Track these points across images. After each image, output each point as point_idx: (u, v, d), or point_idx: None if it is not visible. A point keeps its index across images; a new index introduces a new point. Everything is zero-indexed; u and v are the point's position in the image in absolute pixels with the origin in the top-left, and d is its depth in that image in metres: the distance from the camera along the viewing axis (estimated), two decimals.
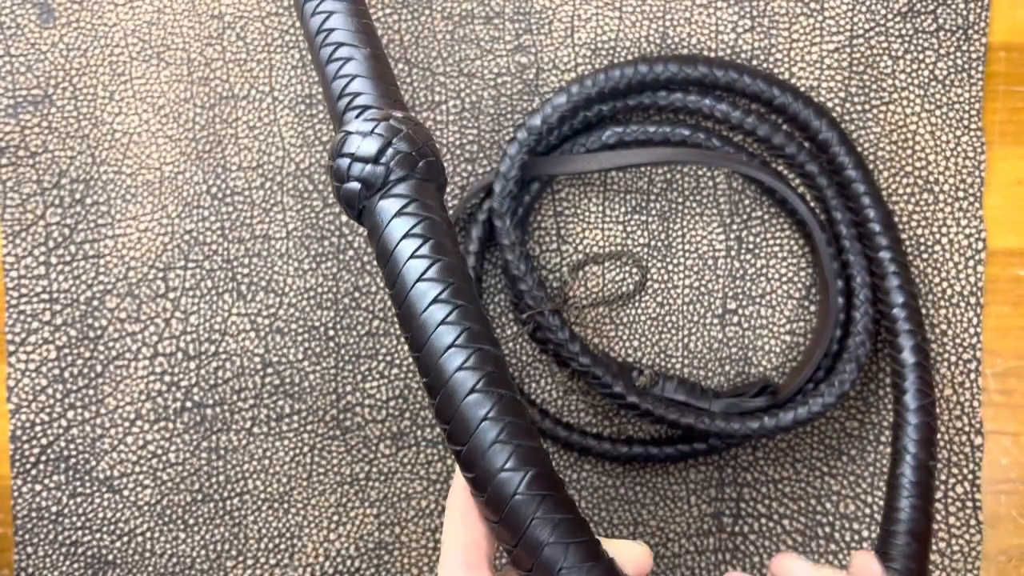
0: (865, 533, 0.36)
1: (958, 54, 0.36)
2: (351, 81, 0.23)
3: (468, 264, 0.36)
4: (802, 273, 0.37)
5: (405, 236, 0.21)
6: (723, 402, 0.35)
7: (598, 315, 0.37)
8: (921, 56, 0.37)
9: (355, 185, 0.22)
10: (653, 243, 0.37)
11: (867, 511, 0.36)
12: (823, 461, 0.36)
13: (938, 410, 0.36)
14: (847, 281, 0.35)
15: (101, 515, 0.36)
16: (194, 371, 0.37)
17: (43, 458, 0.36)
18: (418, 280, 0.21)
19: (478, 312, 0.21)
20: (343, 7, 0.25)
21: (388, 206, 0.21)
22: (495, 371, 0.20)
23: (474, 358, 0.20)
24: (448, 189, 0.37)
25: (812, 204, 0.37)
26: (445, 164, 0.37)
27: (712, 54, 0.37)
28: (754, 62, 0.37)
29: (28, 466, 0.36)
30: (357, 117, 0.23)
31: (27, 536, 0.36)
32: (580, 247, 0.37)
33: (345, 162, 0.22)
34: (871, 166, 0.37)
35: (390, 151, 0.22)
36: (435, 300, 0.21)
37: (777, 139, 0.35)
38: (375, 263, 0.37)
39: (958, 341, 0.36)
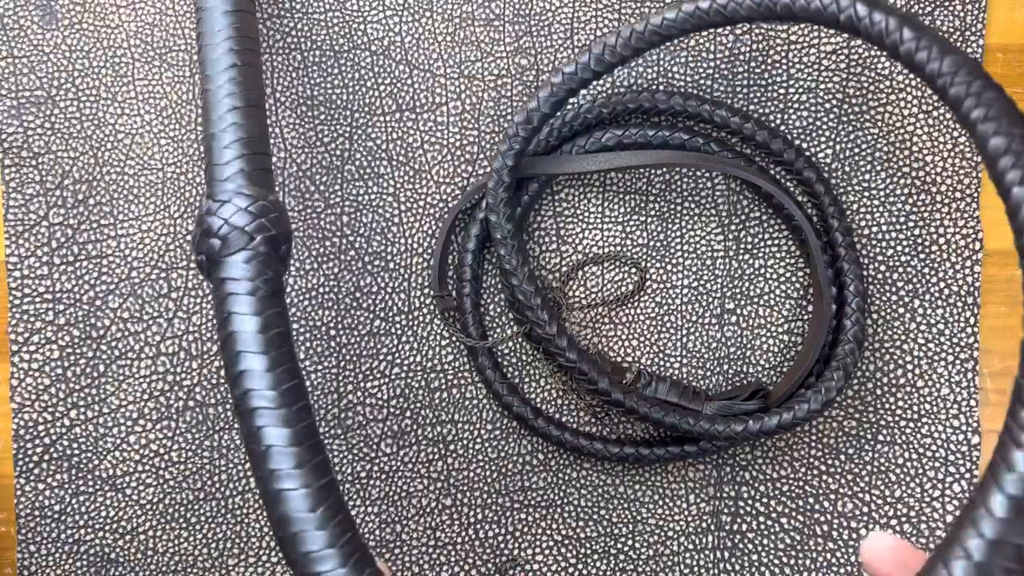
0: (863, 532, 0.36)
1: None
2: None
3: (466, 261, 0.36)
4: (800, 273, 0.37)
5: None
6: (715, 405, 0.35)
7: (597, 315, 0.37)
8: None
9: (215, 242, 0.26)
10: (652, 244, 0.37)
11: (865, 509, 0.36)
12: (821, 460, 0.36)
13: (935, 409, 0.36)
14: (840, 288, 0.35)
15: (104, 514, 0.37)
16: (196, 370, 0.37)
17: (46, 457, 0.37)
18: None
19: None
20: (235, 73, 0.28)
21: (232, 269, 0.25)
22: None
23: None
24: (448, 190, 0.37)
25: (808, 210, 0.37)
26: (446, 165, 0.37)
27: (710, 56, 0.37)
28: (752, 64, 0.37)
29: (31, 465, 0.37)
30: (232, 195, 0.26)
31: (30, 535, 0.37)
32: (580, 247, 0.37)
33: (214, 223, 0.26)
34: (869, 166, 0.37)
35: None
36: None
37: (775, 144, 0.36)
38: (376, 264, 0.37)
39: (955, 341, 0.36)
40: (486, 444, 0.37)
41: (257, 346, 0.24)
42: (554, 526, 0.37)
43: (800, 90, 0.37)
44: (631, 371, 0.36)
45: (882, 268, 0.37)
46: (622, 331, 0.37)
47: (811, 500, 0.36)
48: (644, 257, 0.37)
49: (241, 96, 0.27)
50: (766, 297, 0.37)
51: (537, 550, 0.37)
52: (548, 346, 0.34)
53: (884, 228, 0.37)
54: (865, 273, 0.37)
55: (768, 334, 0.37)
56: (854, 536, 0.36)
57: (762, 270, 0.37)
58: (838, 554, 0.36)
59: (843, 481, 0.36)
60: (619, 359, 0.37)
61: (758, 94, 0.37)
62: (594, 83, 0.37)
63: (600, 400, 0.35)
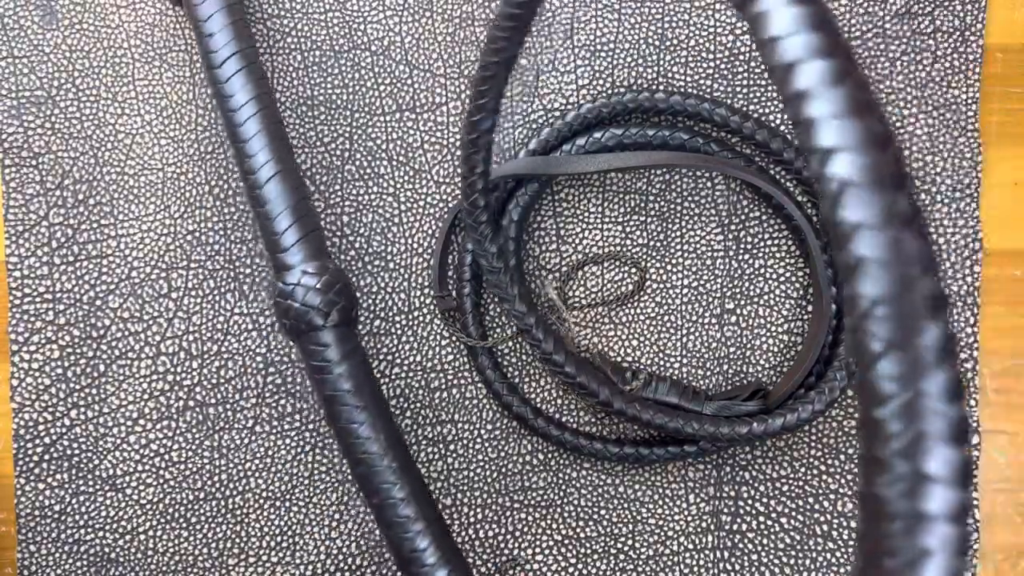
0: None
1: (955, 56, 0.37)
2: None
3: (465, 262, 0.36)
4: (800, 273, 0.37)
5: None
6: (715, 405, 0.35)
7: (597, 315, 0.37)
8: (918, 58, 0.37)
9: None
10: (652, 243, 0.37)
11: None
12: (821, 460, 0.36)
13: None
14: (840, 288, 0.35)
15: (104, 513, 0.37)
16: (196, 370, 0.37)
17: (46, 457, 0.37)
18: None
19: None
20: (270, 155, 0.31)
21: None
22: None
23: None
24: (448, 190, 0.37)
25: (808, 210, 0.37)
26: (446, 165, 0.37)
27: (710, 56, 0.37)
28: (752, 64, 0.37)
29: (31, 465, 0.37)
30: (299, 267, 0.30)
31: (30, 535, 0.37)
32: (579, 247, 0.37)
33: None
34: None
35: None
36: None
37: (775, 144, 0.36)
38: (376, 264, 0.37)
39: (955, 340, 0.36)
40: (486, 444, 0.37)
41: (353, 401, 0.30)
42: (554, 526, 0.37)
43: None
44: (637, 377, 0.36)
45: None
46: (622, 331, 0.37)
47: (811, 500, 0.36)
48: (644, 257, 0.37)
49: (277, 161, 0.31)
50: (766, 297, 0.37)
51: (537, 550, 0.37)
52: (547, 363, 0.35)
53: None
54: None
55: (768, 334, 0.37)
56: (854, 536, 0.36)
57: (762, 270, 0.37)
58: (838, 554, 0.36)
59: (843, 481, 0.36)
60: (619, 359, 0.37)
61: (758, 94, 0.37)
62: (593, 84, 0.37)
63: (604, 410, 0.35)
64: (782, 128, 0.37)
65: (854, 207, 0.13)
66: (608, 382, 0.35)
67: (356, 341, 0.31)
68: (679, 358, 0.37)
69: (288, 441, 0.37)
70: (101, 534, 0.37)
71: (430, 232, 0.37)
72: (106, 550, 0.37)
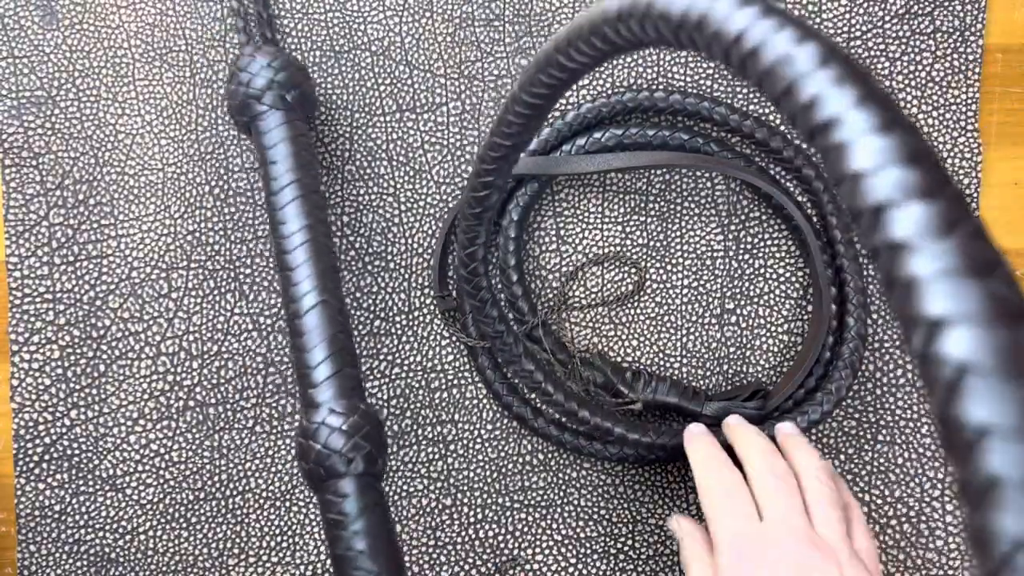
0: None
1: (955, 56, 0.37)
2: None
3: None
4: (799, 273, 0.37)
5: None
6: (715, 405, 0.35)
7: (597, 315, 0.37)
8: (918, 58, 0.37)
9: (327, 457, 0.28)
10: (652, 244, 0.37)
11: (865, 509, 0.36)
12: None
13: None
14: (840, 287, 0.35)
15: (104, 513, 0.37)
16: (197, 370, 0.37)
17: (46, 457, 0.37)
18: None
19: None
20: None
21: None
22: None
23: None
24: (448, 190, 0.37)
25: (808, 209, 0.37)
26: (446, 165, 0.37)
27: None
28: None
29: (31, 465, 0.37)
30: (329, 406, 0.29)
31: (30, 535, 0.37)
32: (580, 247, 0.37)
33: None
34: None
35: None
36: None
37: (774, 143, 0.36)
38: (376, 264, 0.37)
39: None
40: (486, 444, 0.37)
41: (367, 565, 0.27)
42: (554, 526, 0.37)
43: None
44: (631, 370, 0.36)
45: None
46: (622, 331, 0.37)
47: None
48: (644, 257, 0.37)
49: (321, 291, 0.30)
50: (766, 297, 0.37)
51: (537, 550, 0.37)
52: (540, 396, 0.35)
53: None
54: (866, 272, 0.37)
55: (768, 334, 0.37)
56: None
57: (762, 270, 0.37)
58: None
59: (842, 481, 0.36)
60: (619, 359, 0.37)
61: (758, 94, 0.37)
62: (593, 84, 0.37)
63: (603, 439, 0.35)
64: (781, 127, 0.37)
65: (980, 404, 0.10)
66: (612, 416, 0.35)
67: (379, 493, 0.28)
68: (679, 358, 0.37)
69: (288, 441, 0.37)
70: (101, 534, 0.37)
71: (430, 232, 0.37)
72: (106, 550, 0.37)
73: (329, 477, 0.27)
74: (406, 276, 0.37)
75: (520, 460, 0.37)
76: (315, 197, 0.31)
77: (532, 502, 0.37)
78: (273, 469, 0.37)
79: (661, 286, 0.37)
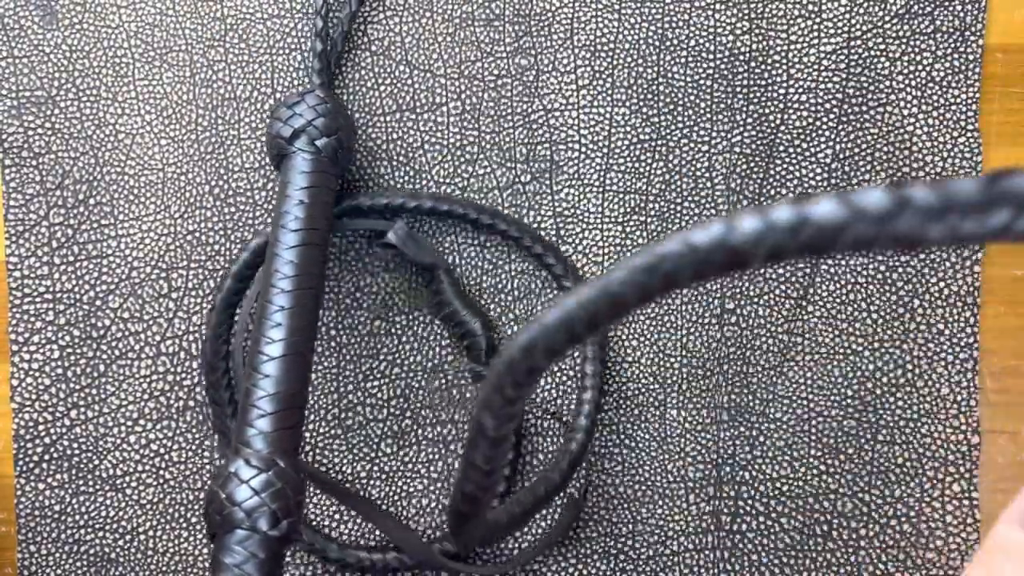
0: (863, 531, 0.36)
1: (955, 56, 0.37)
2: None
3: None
4: (799, 273, 0.37)
5: None
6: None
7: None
8: (918, 58, 0.37)
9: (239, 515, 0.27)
10: (652, 244, 0.37)
11: (864, 509, 0.36)
12: (820, 460, 0.36)
13: (935, 409, 0.36)
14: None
15: (104, 514, 0.37)
16: (197, 370, 0.37)
17: (46, 457, 0.37)
18: None
19: None
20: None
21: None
22: None
23: None
24: (449, 190, 0.37)
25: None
26: (446, 165, 0.37)
27: (711, 56, 0.37)
28: (752, 64, 0.37)
29: (31, 465, 0.37)
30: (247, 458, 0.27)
31: (30, 535, 0.37)
32: (580, 247, 0.37)
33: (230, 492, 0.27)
34: (869, 166, 0.37)
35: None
36: None
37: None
38: (376, 264, 0.37)
39: (955, 340, 0.36)
40: None
41: None
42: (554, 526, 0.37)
43: (800, 90, 0.37)
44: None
45: (882, 268, 0.37)
46: (622, 331, 0.37)
47: (811, 500, 0.36)
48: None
49: (290, 345, 0.29)
50: (766, 297, 0.37)
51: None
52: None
53: None
54: (865, 272, 0.37)
55: (768, 334, 0.37)
56: (854, 536, 0.36)
57: (762, 270, 0.37)
58: (838, 554, 0.36)
59: (843, 481, 0.36)
60: (619, 359, 0.37)
61: (758, 94, 0.37)
62: (593, 84, 0.37)
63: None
64: (782, 128, 0.37)
65: None
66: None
67: (274, 555, 0.26)
68: (679, 358, 0.37)
69: None
70: (101, 534, 0.37)
71: (430, 232, 0.37)
72: (106, 550, 0.37)
73: (224, 528, 0.26)
74: (406, 276, 0.37)
75: (519, 460, 0.37)
76: (313, 251, 0.31)
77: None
78: None
79: None
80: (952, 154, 0.37)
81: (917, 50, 0.37)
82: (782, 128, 0.37)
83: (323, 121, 0.32)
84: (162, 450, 0.37)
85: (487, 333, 0.35)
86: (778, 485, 0.36)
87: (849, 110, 0.37)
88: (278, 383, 0.28)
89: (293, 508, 0.27)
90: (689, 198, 0.37)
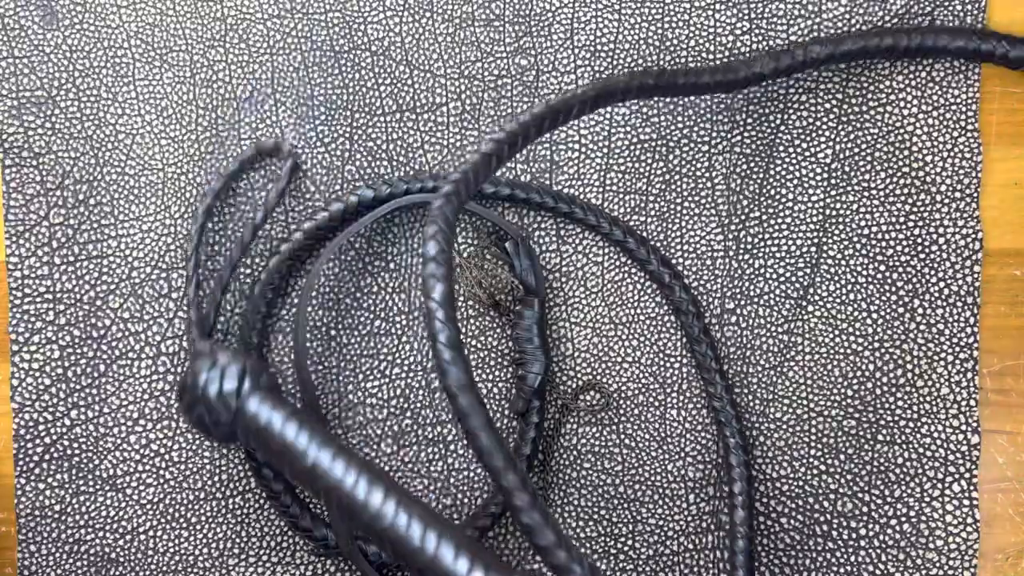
0: (863, 531, 0.36)
1: None
2: None
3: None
4: (799, 273, 0.37)
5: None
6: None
7: (598, 315, 0.37)
8: (918, 58, 0.37)
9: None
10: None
11: (864, 509, 0.36)
12: (820, 459, 0.36)
13: (935, 409, 0.36)
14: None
15: (104, 513, 0.37)
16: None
17: (46, 457, 0.37)
18: None
19: None
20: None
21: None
22: None
23: None
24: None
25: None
26: (446, 165, 0.37)
27: (710, 56, 0.37)
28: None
29: (31, 465, 0.37)
30: None
31: (30, 535, 0.37)
32: (580, 247, 0.37)
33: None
34: (869, 166, 0.37)
35: None
36: None
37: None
38: (376, 264, 0.37)
39: (955, 340, 0.36)
40: None
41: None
42: None
43: (800, 90, 0.37)
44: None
45: (882, 268, 0.37)
46: (622, 331, 0.37)
47: (811, 500, 0.36)
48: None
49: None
50: (766, 297, 0.37)
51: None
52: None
53: (884, 228, 0.37)
54: (865, 272, 0.37)
55: (768, 334, 0.37)
56: (854, 536, 0.36)
57: (762, 270, 0.37)
58: (838, 554, 0.36)
59: (843, 481, 0.36)
60: (619, 359, 0.37)
61: (758, 94, 0.37)
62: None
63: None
64: (782, 128, 0.37)
65: None
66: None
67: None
68: (679, 358, 0.37)
69: None
70: (101, 534, 0.37)
71: (431, 232, 0.37)
72: (106, 550, 0.37)
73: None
74: (406, 276, 0.37)
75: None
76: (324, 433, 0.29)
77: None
78: None
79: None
80: (952, 154, 0.37)
81: None
82: (782, 128, 0.37)
83: (242, 365, 0.29)
84: (162, 450, 0.37)
85: (543, 376, 0.35)
86: (778, 485, 0.36)
87: (849, 110, 0.37)
88: None
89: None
90: (689, 198, 0.37)
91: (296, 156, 0.36)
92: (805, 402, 0.37)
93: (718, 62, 0.37)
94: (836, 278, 0.37)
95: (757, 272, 0.37)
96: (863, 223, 0.37)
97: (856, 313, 0.37)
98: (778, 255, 0.37)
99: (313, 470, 0.26)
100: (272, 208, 0.35)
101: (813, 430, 0.37)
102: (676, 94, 0.34)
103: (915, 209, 0.37)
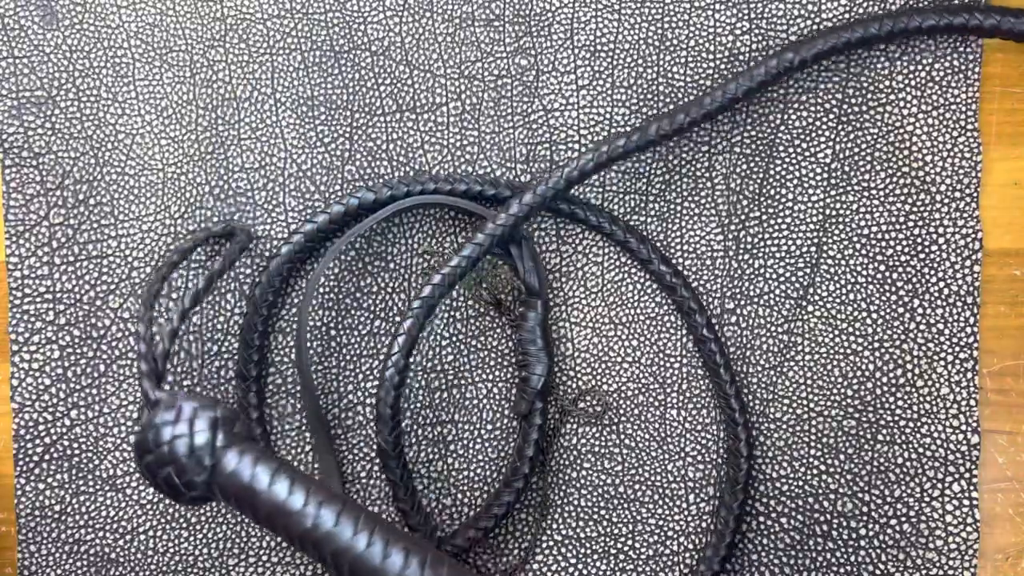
0: (863, 531, 0.36)
1: (955, 56, 0.37)
2: None
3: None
4: (799, 273, 0.37)
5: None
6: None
7: (598, 315, 0.37)
8: (918, 58, 0.37)
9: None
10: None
11: (864, 509, 0.36)
12: (820, 460, 0.36)
13: (935, 409, 0.36)
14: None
15: (104, 513, 0.37)
16: (197, 371, 0.37)
17: (46, 457, 0.37)
18: None
19: None
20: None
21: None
22: None
23: None
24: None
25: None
26: (446, 165, 0.37)
27: (710, 56, 0.37)
28: (752, 64, 0.37)
29: (31, 465, 0.37)
30: None
31: (30, 535, 0.37)
32: (579, 247, 0.37)
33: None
34: (869, 166, 0.37)
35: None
36: None
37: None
38: (376, 264, 0.37)
39: (955, 340, 0.36)
40: (486, 444, 0.37)
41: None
42: (554, 526, 0.37)
43: (800, 90, 0.37)
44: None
45: (882, 268, 0.37)
46: (622, 331, 0.37)
47: (811, 500, 0.36)
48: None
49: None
50: (766, 297, 0.37)
51: (537, 550, 0.37)
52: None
53: (884, 228, 0.37)
54: (865, 272, 0.37)
55: (768, 334, 0.37)
56: (854, 536, 0.36)
57: (762, 270, 0.37)
58: (838, 554, 0.36)
59: (843, 481, 0.36)
60: (619, 359, 0.37)
61: (758, 94, 0.37)
62: (593, 84, 0.37)
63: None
64: (782, 128, 0.37)
65: None
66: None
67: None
68: (679, 358, 0.37)
69: (288, 441, 0.37)
70: (101, 534, 0.37)
71: (430, 233, 0.37)
72: (106, 550, 0.37)
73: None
74: (406, 276, 0.37)
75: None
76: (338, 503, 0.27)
77: (532, 502, 0.37)
78: None
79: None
80: (952, 154, 0.37)
81: (917, 50, 0.37)
82: (782, 128, 0.37)
83: (213, 414, 0.26)
84: None
85: (546, 378, 0.35)
86: (778, 485, 0.36)
87: (849, 110, 0.37)
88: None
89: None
90: (689, 198, 0.37)
91: (249, 239, 0.35)
92: (805, 402, 0.37)
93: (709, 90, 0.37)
94: (836, 278, 0.37)
95: (757, 272, 0.37)
96: (863, 223, 0.37)
97: (856, 313, 0.37)
98: (778, 255, 0.37)
99: (315, 532, 0.23)
100: (216, 278, 0.33)
101: (813, 430, 0.37)
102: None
103: (915, 209, 0.37)
